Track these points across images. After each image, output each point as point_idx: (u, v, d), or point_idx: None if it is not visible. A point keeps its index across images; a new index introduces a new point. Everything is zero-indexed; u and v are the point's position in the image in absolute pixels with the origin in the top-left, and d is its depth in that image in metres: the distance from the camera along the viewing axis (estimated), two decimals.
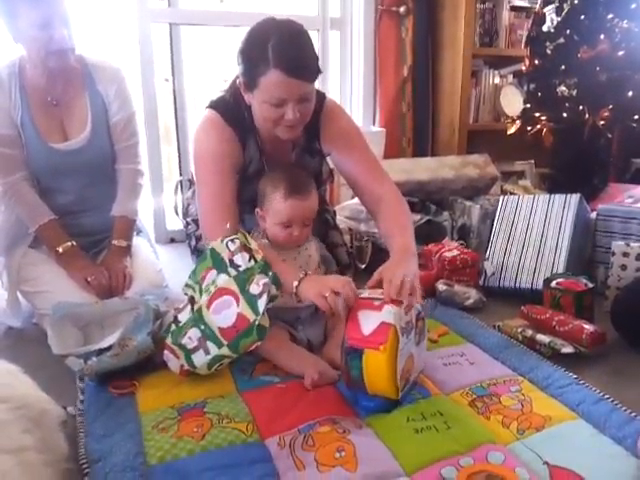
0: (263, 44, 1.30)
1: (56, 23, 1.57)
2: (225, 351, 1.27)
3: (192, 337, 1.29)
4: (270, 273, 1.26)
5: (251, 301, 1.25)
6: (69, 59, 1.66)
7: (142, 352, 1.34)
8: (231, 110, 1.48)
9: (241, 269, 1.29)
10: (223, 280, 1.31)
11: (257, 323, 1.23)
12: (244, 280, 1.28)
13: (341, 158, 1.58)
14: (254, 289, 1.26)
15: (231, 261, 1.31)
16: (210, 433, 1.11)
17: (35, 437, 0.91)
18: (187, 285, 1.39)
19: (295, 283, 1.26)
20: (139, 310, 1.43)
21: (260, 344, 1.27)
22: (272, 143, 1.52)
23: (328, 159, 1.65)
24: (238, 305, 1.26)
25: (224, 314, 1.27)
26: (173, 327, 1.35)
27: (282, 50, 1.30)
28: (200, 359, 1.28)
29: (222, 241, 1.33)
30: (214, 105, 1.50)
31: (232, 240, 1.32)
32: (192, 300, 1.36)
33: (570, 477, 0.98)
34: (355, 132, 1.61)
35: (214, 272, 1.33)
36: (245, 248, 1.31)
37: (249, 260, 1.29)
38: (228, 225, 1.36)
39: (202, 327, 1.29)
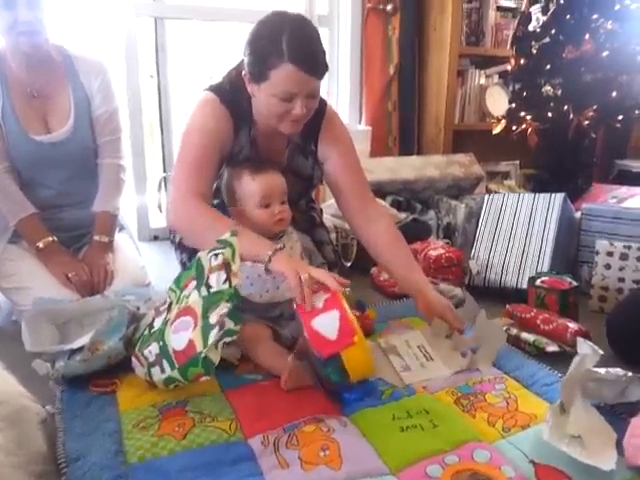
0: (277, 37, 1.29)
1: (20, 3, 1.54)
2: (176, 375, 1.18)
3: (152, 351, 1.22)
4: (231, 305, 1.16)
5: (205, 330, 1.15)
6: (41, 45, 1.63)
7: (113, 357, 1.30)
8: (229, 97, 1.46)
9: (212, 290, 1.20)
10: (193, 298, 1.23)
11: (203, 355, 1.13)
12: (210, 304, 1.18)
13: (335, 166, 1.58)
14: (213, 318, 1.15)
15: (207, 278, 1.23)
16: (192, 432, 1.09)
17: (7, 437, 0.88)
18: (171, 289, 1.35)
19: (269, 253, 1.25)
20: (112, 313, 1.38)
21: (239, 339, 1.22)
22: (267, 137, 1.51)
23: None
24: (193, 330, 1.16)
25: (180, 336, 1.18)
26: (146, 332, 1.30)
27: (297, 44, 1.29)
28: (157, 375, 1.21)
29: (208, 253, 1.26)
30: (213, 88, 1.49)
31: (216, 255, 1.23)
32: (170, 306, 1.31)
33: (556, 475, 0.98)
34: (352, 145, 1.62)
35: (194, 283, 1.27)
36: (225, 267, 1.20)
37: (224, 282, 1.19)
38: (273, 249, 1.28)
39: (161, 344, 1.20)
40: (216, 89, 1.49)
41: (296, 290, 1.19)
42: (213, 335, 1.14)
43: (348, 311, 1.17)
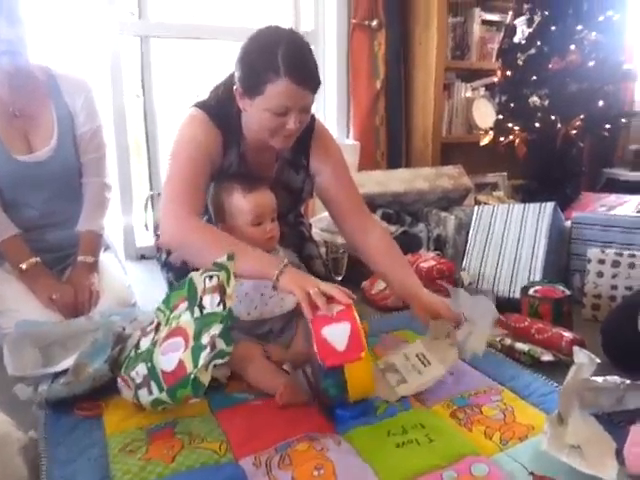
0: (272, 52, 1.28)
1: (1, 22, 1.52)
2: (164, 397, 1.14)
3: (139, 372, 1.18)
4: (223, 326, 1.13)
5: (196, 351, 1.12)
6: (22, 65, 1.61)
7: (97, 379, 1.25)
8: (216, 113, 1.44)
9: (205, 312, 1.18)
10: (185, 319, 1.20)
11: (193, 376, 1.10)
12: (202, 325, 1.15)
13: (329, 179, 1.57)
14: (204, 339, 1.13)
15: (201, 299, 1.20)
16: (181, 454, 1.05)
17: None
18: (159, 309, 1.31)
19: (276, 272, 1.22)
20: (97, 334, 1.34)
21: (230, 358, 1.19)
22: (256, 152, 1.49)
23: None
24: (184, 351, 1.14)
25: (169, 357, 1.15)
26: (132, 354, 1.26)
27: (292, 58, 1.28)
28: (144, 397, 1.17)
29: (202, 274, 1.23)
30: (199, 105, 1.47)
31: (210, 277, 1.20)
32: (158, 327, 1.28)
33: None
34: (343, 158, 1.61)
35: (186, 304, 1.23)
36: (220, 289, 1.18)
37: (218, 304, 1.17)
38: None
39: (149, 365, 1.17)
40: (202, 105, 1.47)
41: (304, 306, 1.17)
42: (204, 356, 1.10)
43: (359, 326, 1.14)
